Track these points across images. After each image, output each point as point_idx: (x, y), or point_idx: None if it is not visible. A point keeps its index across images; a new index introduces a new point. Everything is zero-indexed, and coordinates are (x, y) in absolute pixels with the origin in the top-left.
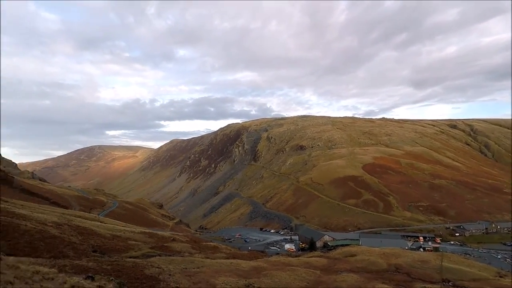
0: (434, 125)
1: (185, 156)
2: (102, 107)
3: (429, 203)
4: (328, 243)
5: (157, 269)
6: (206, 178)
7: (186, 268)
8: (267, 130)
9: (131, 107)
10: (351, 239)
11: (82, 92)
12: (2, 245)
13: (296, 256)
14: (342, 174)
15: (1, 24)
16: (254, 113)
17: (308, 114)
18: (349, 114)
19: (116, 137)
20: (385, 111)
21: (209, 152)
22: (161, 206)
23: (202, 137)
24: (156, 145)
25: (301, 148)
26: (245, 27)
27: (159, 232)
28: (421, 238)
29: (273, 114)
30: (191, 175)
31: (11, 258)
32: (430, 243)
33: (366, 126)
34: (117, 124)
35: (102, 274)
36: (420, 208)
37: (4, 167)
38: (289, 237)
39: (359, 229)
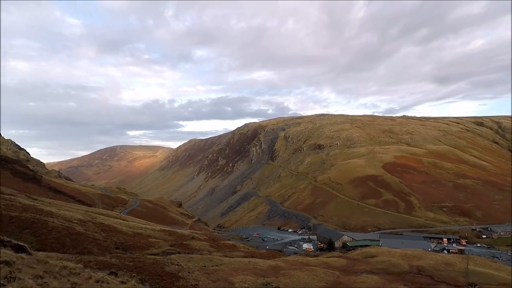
0: (459, 123)
1: (203, 155)
2: (123, 108)
3: (454, 204)
4: (347, 243)
5: (176, 266)
6: (224, 177)
7: (205, 266)
8: (284, 129)
9: (151, 107)
10: (371, 240)
11: (105, 94)
12: (32, 240)
13: (314, 256)
14: (361, 174)
15: (30, 30)
16: (271, 112)
17: (326, 112)
18: (368, 112)
19: (137, 137)
20: (406, 109)
21: (227, 151)
22: (180, 205)
23: (219, 136)
24: (175, 145)
25: (319, 147)
26: (262, 26)
27: (178, 230)
28: (445, 239)
29: (290, 113)
30: (209, 174)
31: (41, 253)
32: (454, 245)
33: (386, 125)
34: (138, 124)
35: (125, 270)
36: (444, 209)
37: (33, 166)
38: (307, 236)
39: (379, 229)
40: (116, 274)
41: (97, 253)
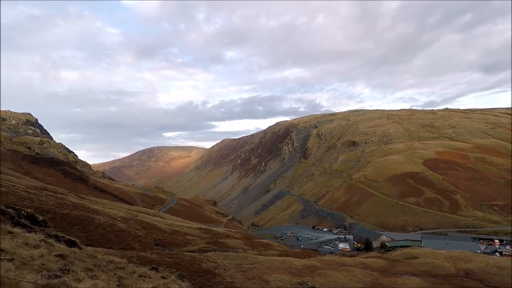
0: (510, 114)
1: (236, 155)
2: (160, 111)
3: (506, 202)
4: (386, 243)
5: (213, 263)
6: (256, 176)
7: (240, 264)
8: (316, 127)
9: (185, 109)
10: (412, 240)
11: (142, 98)
12: (81, 236)
13: (351, 256)
14: (400, 171)
15: (76, 42)
16: (303, 110)
17: (360, 108)
18: (406, 106)
19: (172, 138)
20: (448, 101)
21: (259, 150)
22: (214, 203)
23: (251, 136)
24: (208, 145)
25: (354, 144)
26: (291, 23)
27: (213, 228)
28: (496, 241)
29: (322, 110)
30: (242, 173)
31: (89, 248)
32: (508, 247)
33: (427, 118)
34: (173, 126)
35: (164, 266)
36: (495, 208)
37: (81, 168)
38: (343, 236)
39: (420, 229)
40: (157, 270)
41: (139, 249)
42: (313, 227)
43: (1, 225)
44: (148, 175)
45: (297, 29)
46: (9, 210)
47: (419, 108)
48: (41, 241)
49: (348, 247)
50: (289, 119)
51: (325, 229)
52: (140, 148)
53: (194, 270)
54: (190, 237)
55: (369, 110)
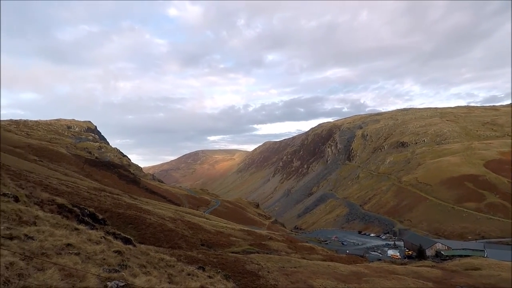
0: None
1: (278, 157)
2: (204, 116)
3: None
4: (442, 252)
5: (256, 265)
6: (299, 179)
7: (283, 267)
8: (361, 127)
9: (228, 113)
10: (472, 249)
11: (188, 104)
12: (134, 234)
13: (401, 264)
14: (456, 173)
15: (128, 54)
16: (346, 110)
17: (409, 107)
18: (462, 103)
19: (216, 141)
20: None
21: (301, 152)
22: (257, 206)
23: (293, 138)
24: (250, 148)
25: (402, 144)
26: (333, 22)
27: (257, 230)
28: None
29: (367, 110)
30: (284, 176)
31: (142, 245)
32: None
33: (487, 116)
34: (216, 129)
35: (210, 265)
36: None
37: (133, 170)
38: (393, 242)
39: (482, 238)
40: (203, 269)
41: (186, 248)
42: (359, 232)
43: (69, 222)
44: (194, 177)
45: (338, 28)
46: (75, 208)
47: (478, 105)
48: (101, 238)
49: (398, 254)
50: (331, 120)
51: (372, 235)
52: (186, 151)
53: (238, 271)
54: (234, 238)
55: (419, 109)
